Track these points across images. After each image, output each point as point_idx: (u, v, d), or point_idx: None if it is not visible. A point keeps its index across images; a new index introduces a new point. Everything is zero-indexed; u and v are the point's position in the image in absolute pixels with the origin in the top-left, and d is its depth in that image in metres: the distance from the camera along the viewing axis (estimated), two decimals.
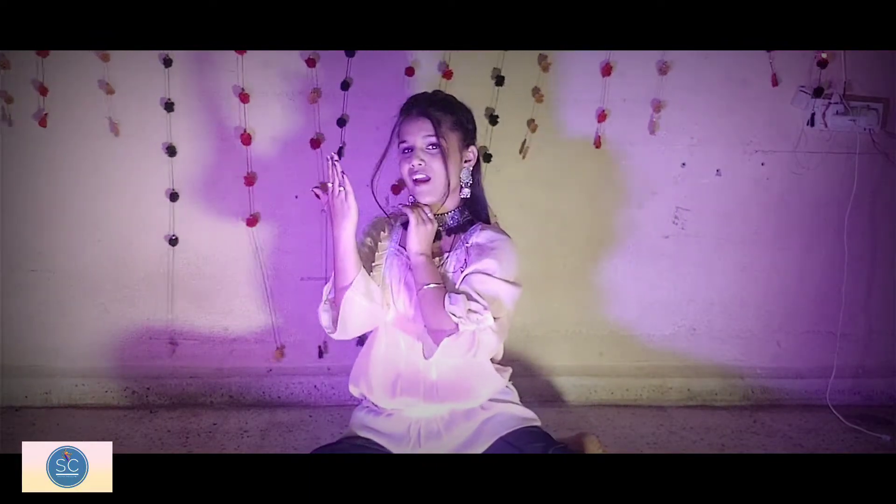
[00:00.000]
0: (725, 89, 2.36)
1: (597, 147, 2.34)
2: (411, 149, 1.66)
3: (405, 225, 1.73)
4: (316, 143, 2.27)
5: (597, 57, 2.32)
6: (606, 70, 2.30)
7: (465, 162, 1.71)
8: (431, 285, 1.58)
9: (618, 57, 2.31)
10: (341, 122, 2.27)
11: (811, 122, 2.37)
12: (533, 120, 2.31)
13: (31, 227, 2.27)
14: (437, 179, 1.65)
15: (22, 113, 2.21)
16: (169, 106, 2.23)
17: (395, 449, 1.64)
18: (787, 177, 2.42)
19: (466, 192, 1.71)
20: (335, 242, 1.59)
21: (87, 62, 2.20)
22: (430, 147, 1.65)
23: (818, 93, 2.34)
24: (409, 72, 2.26)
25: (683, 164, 2.40)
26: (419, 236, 1.62)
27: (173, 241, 2.29)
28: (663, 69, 2.32)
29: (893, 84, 2.38)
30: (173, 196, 2.27)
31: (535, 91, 2.29)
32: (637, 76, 2.33)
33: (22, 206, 2.26)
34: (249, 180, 2.27)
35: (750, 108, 2.38)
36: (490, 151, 2.30)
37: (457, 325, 1.54)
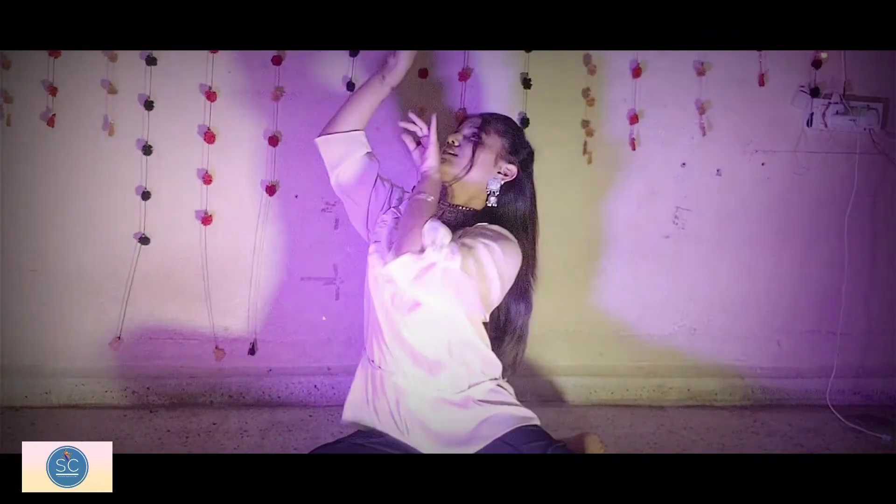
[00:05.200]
0: (725, 89, 2.36)
1: (633, 149, 2.35)
2: (457, 131, 1.81)
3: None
4: (274, 140, 2.27)
5: (594, 56, 2.31)
6: (637, 72, 2.31)
7: (499, 172, 1.76)
8: (430, 197, 1.64)
9: (619, 57, 2.31)
10: None
11: (810, 123, 2.37)
12: (588, 122, 2.33)
13: (31, 227, 2.27)
14: (460, 164, 1.75)
15: (22, 113, 2.21)
16: (149, 104, 2.21)
17: (386, 426, 1.71)
18: (787, 177, 2.42)
19: (493, 200, 1.76)
20: (370, 89, 1.82)
21: (88, 62, 2.20)
22: (471, 135, 1.76)
23: (815, 93, 2.34)
24: (423, 73, 2.25)
25: (683, 164, 2.40)
26: (436, 156, 1.71)
27: (147, 240, 2.28)
28: (700, 70, 2.33)
29: (893, 84, 2.38)
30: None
31: (586, 92, 2.31)
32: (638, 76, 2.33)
33: (22, 206, 2.26)
34: (207, 179, 2.26)
35: (750, 108, 2.38)
36: None
37: (422, 248, 1.53)
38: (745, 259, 2.45)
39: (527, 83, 2.28)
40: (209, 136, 2.24)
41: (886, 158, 2.41)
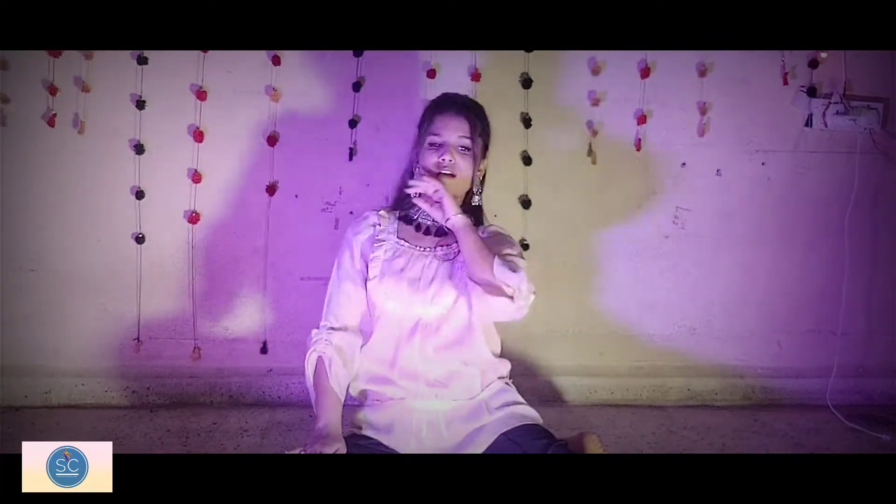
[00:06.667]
0: (725, 89, 2.36)
1: (637, 150, 2.35)
2: (443, 144, 1.67)
3: (402, 218, 1.74)
4: (272, 139, 2.27)
5: (597, 56, 2.31)
6: (646, 73, 2.31)
7: (478, 171, 1.73)
8: (489, 255, 1.57)
9: (618, 57, 2.31)
10: (352, 123, 2.27)
11: (809, 123, 2.37)
12: (591, 122, 2.34)
13: (31, 227, 2.27)
14: (461, 178, 1.68)
15: (21, 113, 2.21)
16: (140, 104, 2.22)
17: (399, 441, 1.62)
18: (787, 177, 2.42)
19: (477, 199, 1.74)
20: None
21: (85, 61, 2.20)
22: (463, 148, 1.68)
23: (812, 92, 2.34)
24: (431, 74, 2.26)
25: (683, 164, 2.40)
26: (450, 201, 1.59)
27: (143, 239, 2.29)
28: (703, 71, 2.33)
29: (893, 84, 2.38)
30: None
31: (591, 93, 2.32)
32: (638, 76, 2.33)
33: (22, 206, 2.26)
34: (197, 178, 2.27)
35: (750, 108, 2.38)
36: (529, 154, 2.32)
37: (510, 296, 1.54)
38: (745, 259, 2.45)
39: (527, 83, 2.28)
40: (198, 135, 2.24)
41: (887, 158, 2.41)
